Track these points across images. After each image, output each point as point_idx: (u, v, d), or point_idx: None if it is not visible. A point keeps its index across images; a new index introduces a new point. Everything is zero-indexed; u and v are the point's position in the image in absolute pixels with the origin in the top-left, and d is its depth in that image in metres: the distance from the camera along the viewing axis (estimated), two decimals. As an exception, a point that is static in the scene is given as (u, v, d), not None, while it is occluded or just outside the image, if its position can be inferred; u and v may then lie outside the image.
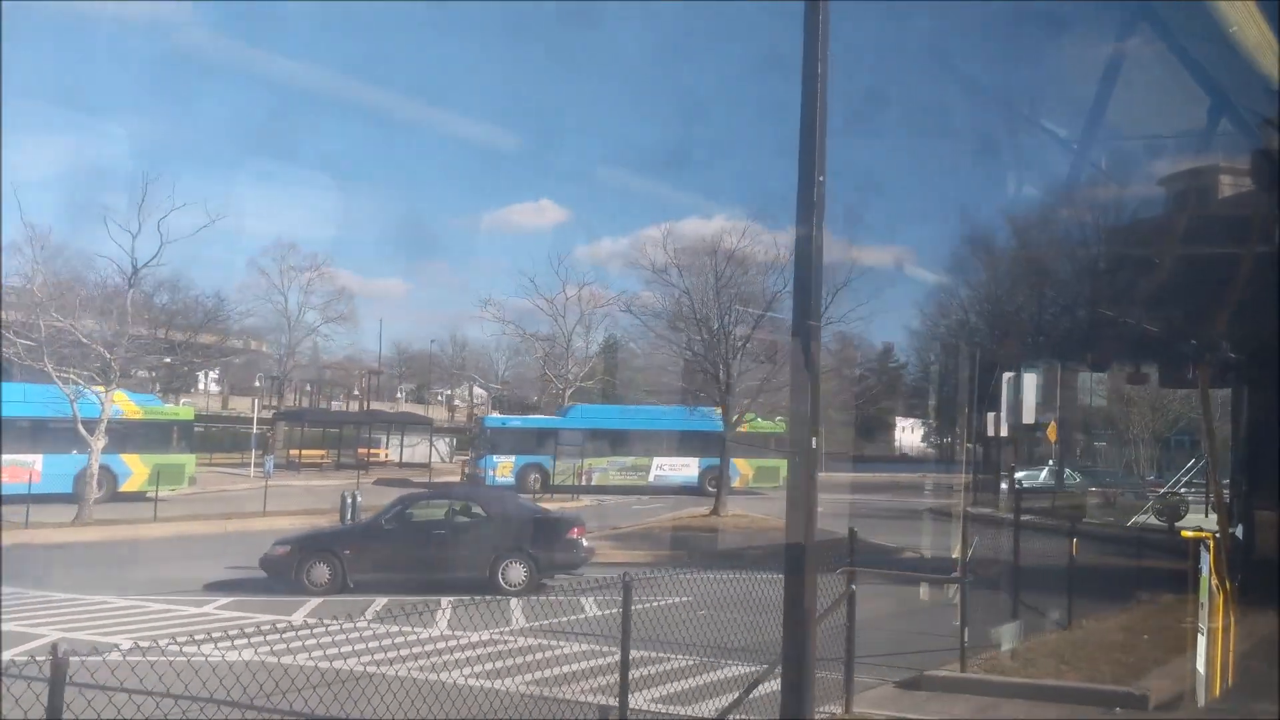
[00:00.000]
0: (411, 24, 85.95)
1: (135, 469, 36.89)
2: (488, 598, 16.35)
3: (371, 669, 11.53)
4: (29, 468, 33.82)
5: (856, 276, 32.34)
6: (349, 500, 20.29)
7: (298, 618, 15.76)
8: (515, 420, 45.45)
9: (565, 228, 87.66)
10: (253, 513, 32.24)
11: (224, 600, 17.86)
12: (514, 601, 17.30)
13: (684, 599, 14.91)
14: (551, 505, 34.80)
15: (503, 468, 41.01)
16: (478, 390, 78.66)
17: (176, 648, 7.87)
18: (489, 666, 11.99)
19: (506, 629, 15.06)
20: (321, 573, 18.33)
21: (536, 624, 15.29)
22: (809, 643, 8.16)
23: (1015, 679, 11.56)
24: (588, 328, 52.48)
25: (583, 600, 17.62)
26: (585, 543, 19.54)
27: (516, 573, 18.74)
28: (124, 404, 37.08)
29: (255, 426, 49.78)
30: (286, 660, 9.33)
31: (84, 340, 30.33)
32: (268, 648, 7.76)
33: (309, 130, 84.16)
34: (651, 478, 42.70)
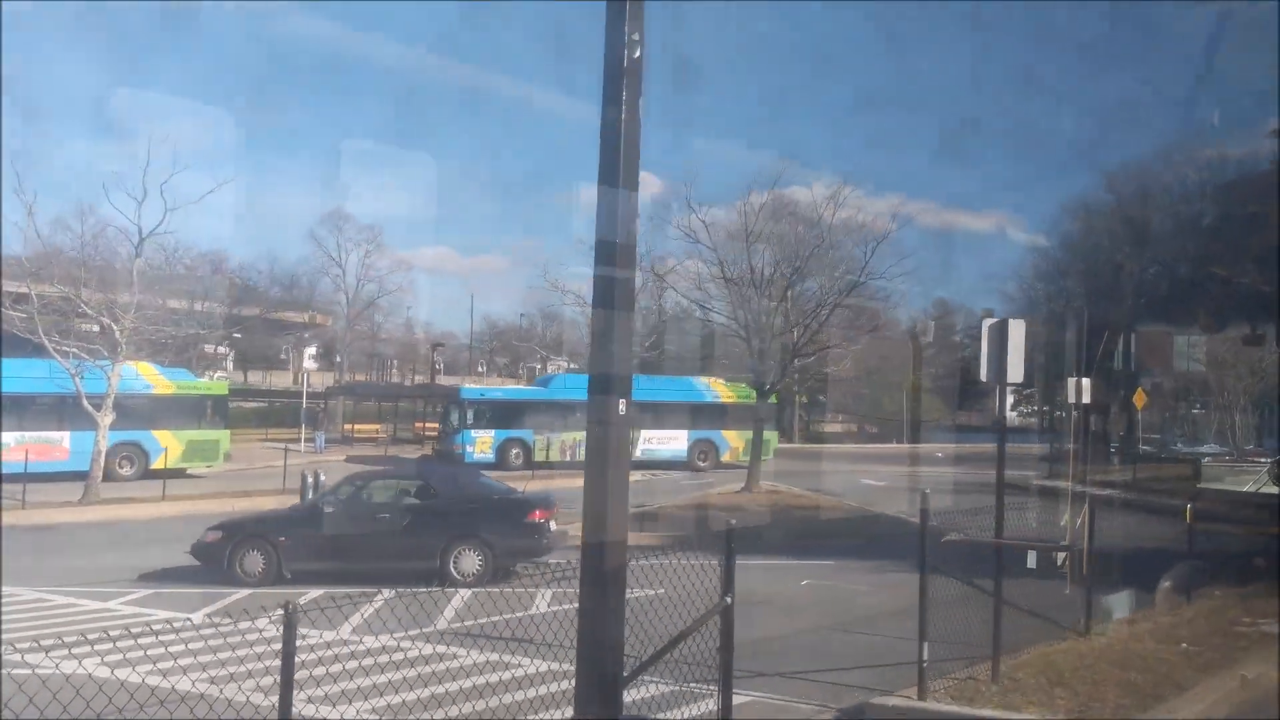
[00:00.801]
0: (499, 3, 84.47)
1: (168, 445, 35.92)
2: (426, 590, 14.19)
3: (202, 687, 9.46)
4: (58, 445, 33.06)
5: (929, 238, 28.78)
6: (309, 481, 18.15)
7: (199, 616, 13.95)
8: (495, 391, 42.68)
9: (663, 198, 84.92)
10: (273, 490, 30.73)
11: (141, 594, 16.07)
12: (462, 595, 15.20)
13: (659, 592, 12.75)
14: (575, 483, 32.53)
15: (481, 443, 38.06)
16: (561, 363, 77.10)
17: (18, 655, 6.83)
18: (332, 689, 9.79)
19: (418, 632, 12.87)
20: (255, 562, 16.43)
21: (458, 625, 13.17)
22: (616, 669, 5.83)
23: (981, 713, 8.93)
24: (659, 296, 49.46)
25: (540, 594, 15.48)
26: (554, 526, 17.26)
27: (469, 561, 16.57)
28: (154, 379, 36.22)
29: (304, 401, 48.66)
30: (122, 674, 7.97)
31: (88, 311, 29.04)
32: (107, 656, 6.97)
33: (410, 113, 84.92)
34: (639, 452, 38.91)
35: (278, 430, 52.41)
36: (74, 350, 28.62)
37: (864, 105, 79.39)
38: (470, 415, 38.23)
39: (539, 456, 37.91)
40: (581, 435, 35.72)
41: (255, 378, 63.45)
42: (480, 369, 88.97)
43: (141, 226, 28.26)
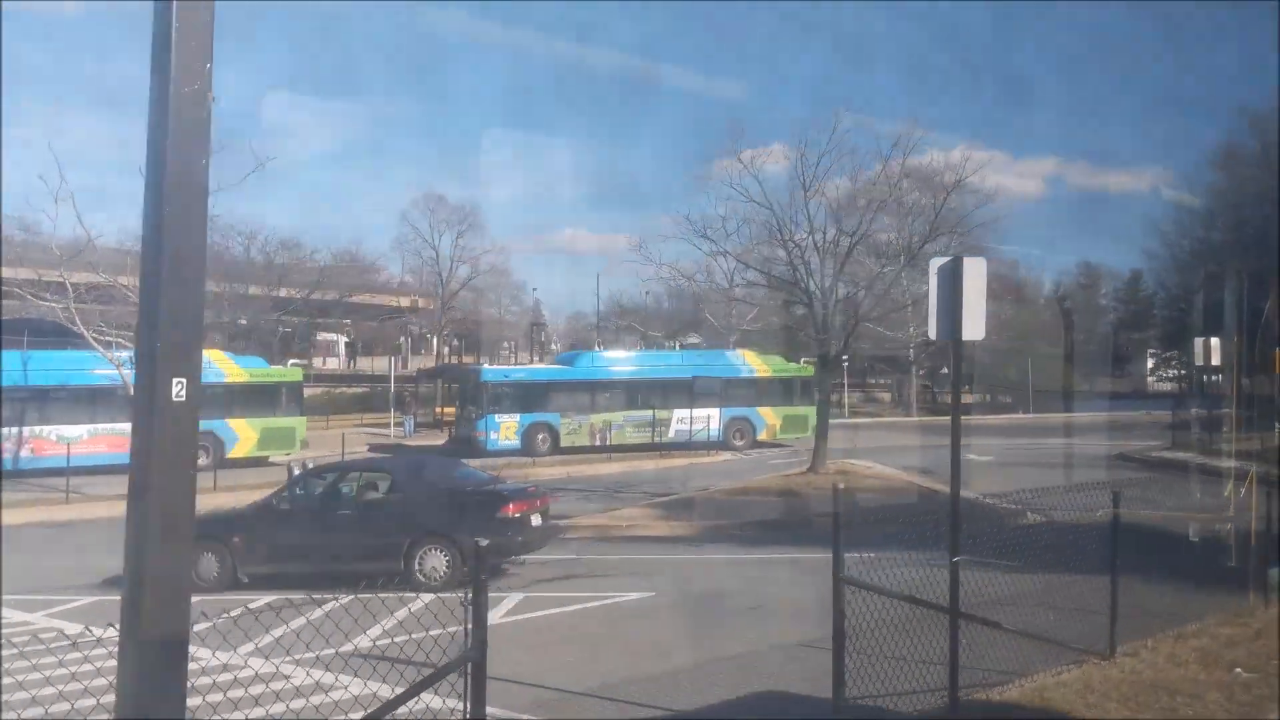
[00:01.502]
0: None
1: (243, 434, 35.75)
2: (371, 596, 12.31)
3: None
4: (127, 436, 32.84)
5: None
6: (296, 474, 16.49)
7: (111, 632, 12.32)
8: (519, 372, 39.62)
9: (791, 170, 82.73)
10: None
11: (85, 601, 14.70)
12: (422, 601, 13.29)
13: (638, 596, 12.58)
14: (610, 469, 31.11)
15: (505, 428, 35.16)
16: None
17: None
18: None
19: (314, 656, 11.01)
20: (209, 565, 14.94)
21: (370, 644, 11.25)
22: None
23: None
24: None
25: (508, 599, 13.57)
26: (538, 521, 15.25)
27: (435, 562, 14.73)
28: (228, 367, 35.85)
29: (392, 385, 47.85)
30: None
31: (131, 297, 28.25)
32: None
33: (542, 96, 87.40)
34: (672, 433, 36.89)
35: (373, 415, 51.84)
36: (116, 339, 27.91)
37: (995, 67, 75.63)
38: (493, 398, 35.37)
39: (566, 441, 35.78)
40: (613, 417, 32.82)
41: (365, 364, 63.65)
42: (598, 346, 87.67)
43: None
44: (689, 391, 37.38)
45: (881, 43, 77.88)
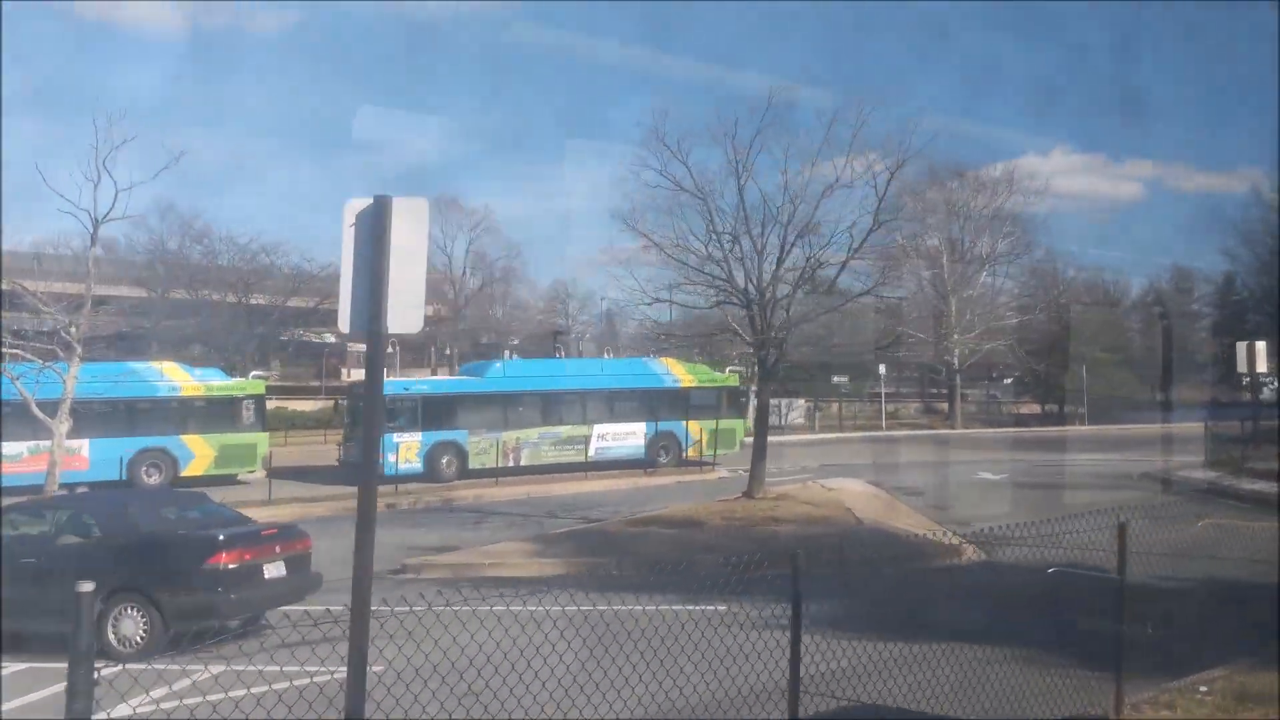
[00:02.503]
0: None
1: (198, 451, 33.63)
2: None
3: None
4: (75, 454, 30.87)
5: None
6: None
7: None
8: (421, 384, 35.23)
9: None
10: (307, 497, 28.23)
11: None
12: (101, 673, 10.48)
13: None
14: (533, 493, 28.31)
15: (406, 449, 30.74)
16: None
17: None
18: None
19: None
20: None
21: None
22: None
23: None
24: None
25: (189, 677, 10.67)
26: (275, 571, 12.39)
27: (131, 626, 11.86)
28: (181, 379, 33.80)
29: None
30: None
31: (41, 309, 26.37)
32: None
33: (611, 105, 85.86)
34: (592, 451, 33.13)
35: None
36: (17, 352, 25.95)
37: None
38: (391, 415, 30.88)
39: (476, 463, 32.02)
40: (527, 434, 29.31)
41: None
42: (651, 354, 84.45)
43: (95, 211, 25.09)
44: (608, 404, 34.09)
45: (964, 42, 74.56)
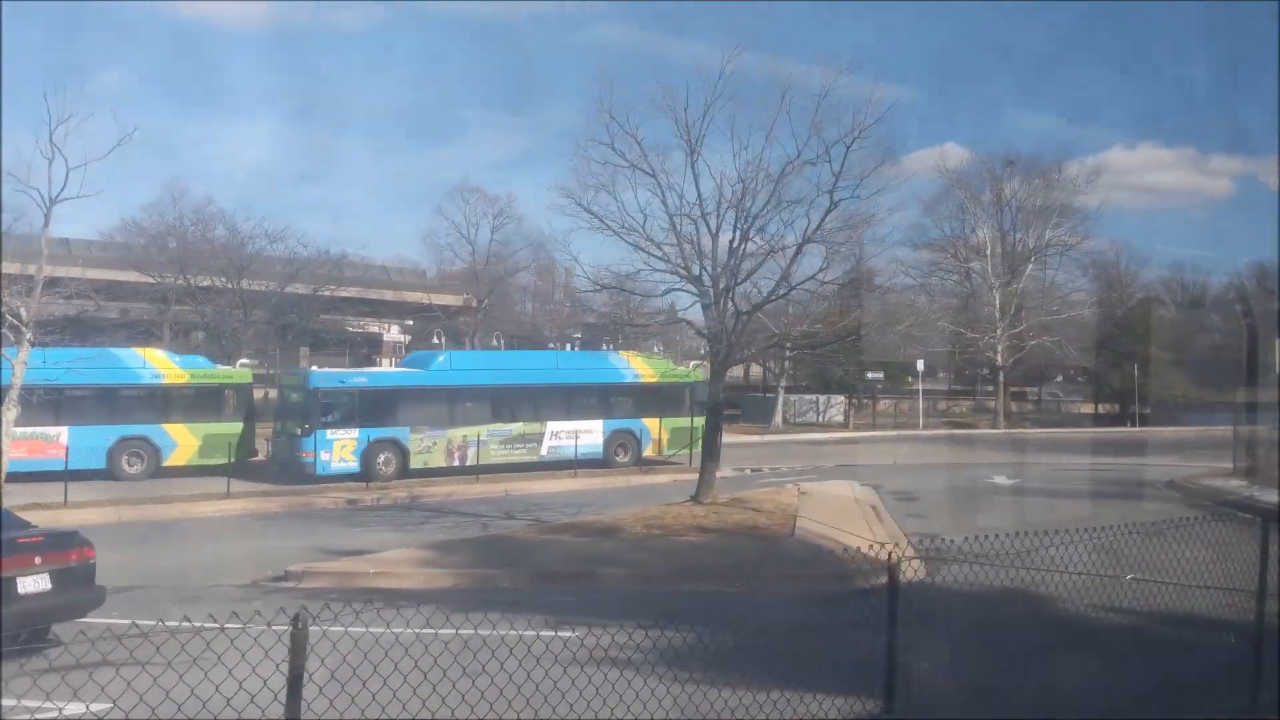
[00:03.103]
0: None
1: (181, 440, 32.66)
2: None
3: None
4: (53, 441, 30.04)
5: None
6: None
7: None
8: (356, 377, 31.56)
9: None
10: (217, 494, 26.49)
11: None
12: None
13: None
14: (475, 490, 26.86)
15: (341, 447, 28.49)
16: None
17: None
18: None
19: None
20: None
21: None
22: None
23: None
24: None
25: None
26: (36, 585, 10.79)
27: None
28: (165, 367, 32.81)
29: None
30: None
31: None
32: None
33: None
34: (544, 450, 31.10)
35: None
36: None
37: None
38: (323, 409, 28.91)
39: (417, 462, 29.83)
40: (474, 431, 27.26)
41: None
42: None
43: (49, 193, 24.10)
44: (563, 399, 31.94)
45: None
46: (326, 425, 28.37)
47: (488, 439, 30.28)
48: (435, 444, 29.57)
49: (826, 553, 15.91)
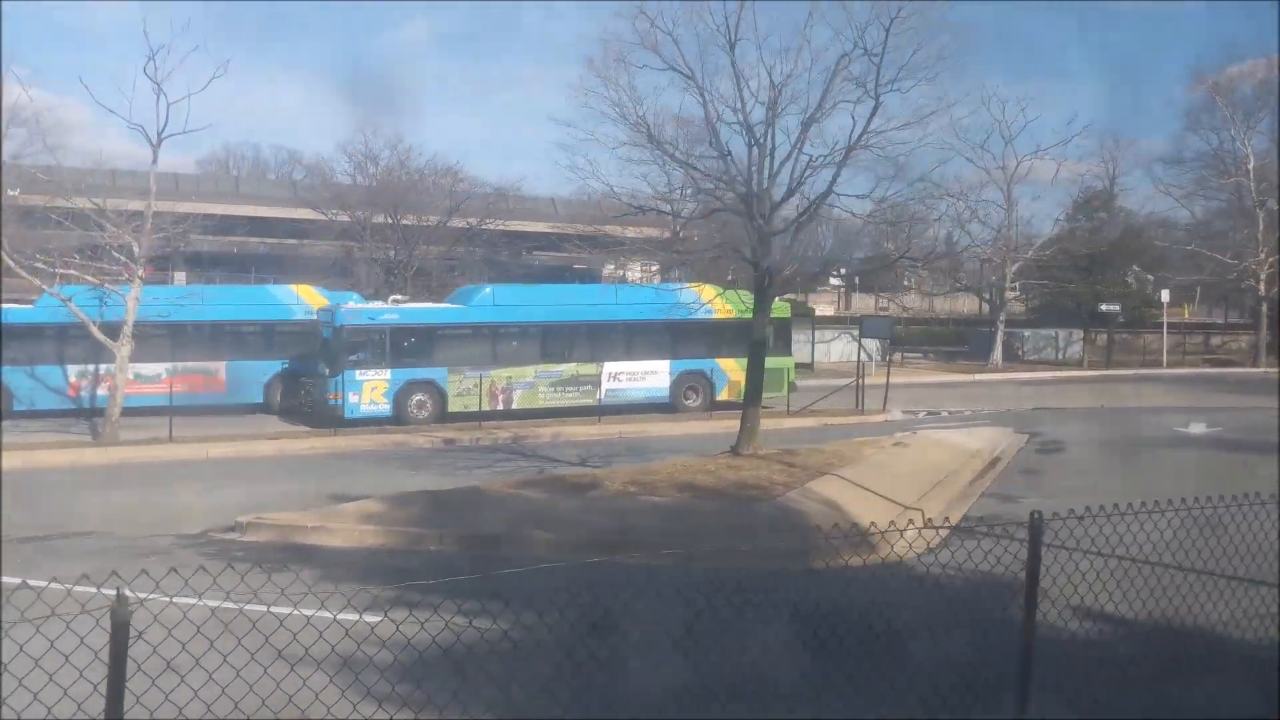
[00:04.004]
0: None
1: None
2: None
3: None
4: (213, 376, 30.94)
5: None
6: None
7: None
8: (387, 313, 28.33)
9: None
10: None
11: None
12: None
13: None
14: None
15: (371, 389, 26.55)
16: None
17: None
18: None
19: None
20: None
21: None
22: None
23: None
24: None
25: None
26: None
27: None
28: (316, 301, 32.41)
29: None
30: None
31: (107, 225, 25.82)
32: None
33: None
34: (602, 393, 28.06)
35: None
36: (74, 274, 25.68)
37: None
38: (351, 348, 26.87)
39: (456, 405, 27.38)
40: (521, 372, 24.86)
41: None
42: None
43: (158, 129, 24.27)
44: (624, 338, 28.73)
45: None
46: (355, 365, 26.63)
47: (535, 381, 27.84)
48: (476, 386, 27.19)
49: (803, 524, 13.12)
